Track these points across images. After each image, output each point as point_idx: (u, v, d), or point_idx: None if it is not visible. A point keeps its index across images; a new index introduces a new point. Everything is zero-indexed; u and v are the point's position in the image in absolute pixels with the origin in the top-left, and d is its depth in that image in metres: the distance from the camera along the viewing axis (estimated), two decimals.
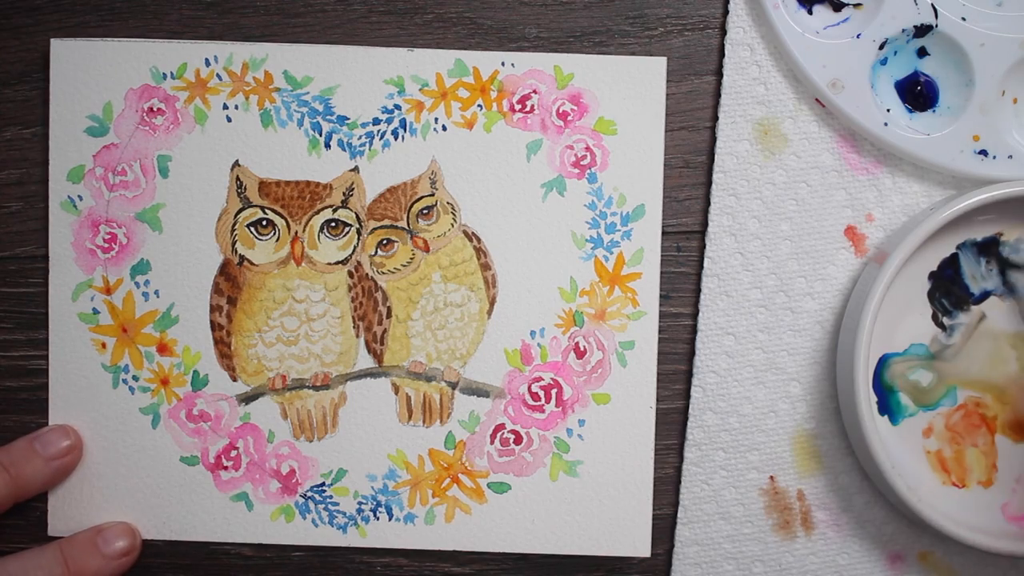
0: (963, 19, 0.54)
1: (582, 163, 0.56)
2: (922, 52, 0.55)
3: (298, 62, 0.55)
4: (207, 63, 0.55)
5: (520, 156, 0.56)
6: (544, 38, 0.56)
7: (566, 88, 0.56)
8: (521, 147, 0.56)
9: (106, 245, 0.56)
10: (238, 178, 0.56)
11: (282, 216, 0.56)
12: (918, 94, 0.55)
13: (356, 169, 0.56)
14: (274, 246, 0.56)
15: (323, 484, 0.56)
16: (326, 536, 0.56)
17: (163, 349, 0.56)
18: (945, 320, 0.56)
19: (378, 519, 0.57)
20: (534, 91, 0.56)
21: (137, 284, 0.56)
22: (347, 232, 0.56)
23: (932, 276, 0.55)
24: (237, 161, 0.56)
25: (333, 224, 0.56)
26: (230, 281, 0.56)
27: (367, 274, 0.56)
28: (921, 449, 0.56)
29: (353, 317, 0.56)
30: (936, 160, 0.54)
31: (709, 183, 0.56)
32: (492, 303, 0.56)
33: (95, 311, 0.56)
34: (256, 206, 0.56)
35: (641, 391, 0.56)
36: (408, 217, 0.56)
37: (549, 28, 0.56)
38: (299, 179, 0.56)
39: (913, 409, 0.56)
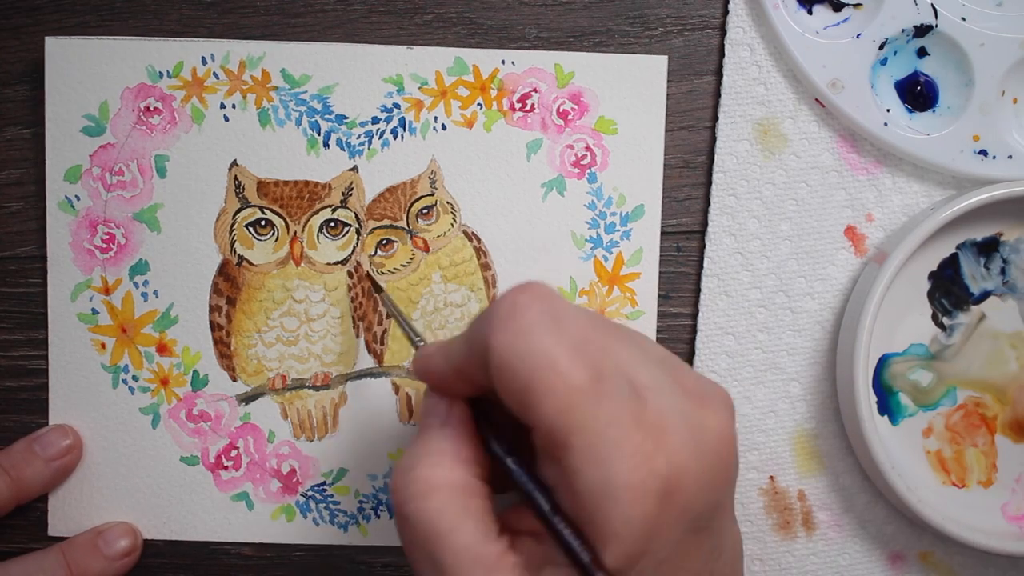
0: (963, 19, 0.54)
1: (582, 163, 0.56)
2: (922, 52, 0.55)
3: (296, 60, 0.55)
4: (204, 61, 0.55)
5: (520, 155, 0.56)
6: (544, 38, 0.56)
7: (566, 87, 0.56)
8: (521, 146, 0.56)
9: (104, 245, 0.56)
10: (236, 178, 0.56)
11: (281, 216, 0.56)
12: (918, 94, 0.55)
13: (355, 168, 0.56)
14: (273, 246, 0.56)
15: (324, 483, 0.56)
16: (327, 535, 0.57)
17: (163, 349, 0.56)
18: (945, 320, 0.56)
19: (379, 518, 0.57)
20: (534, 90, 0.56)
21: (136, 284, 0.56)
22: (346, 232, 0.56)
23: (932, 276, 0.56)
24: (235, 161, 0.56)
25: (332, 224, 0.56)
26: (229, 281, 0.56)
27: (367, 274, 0.56)
28: (921, 449, 0.56)
29: (353, 317, 0.56)
30: (936, 160, 0.54)
31: (709, 183, 0.56)
32: (492, 303, 0.56)
33: (94, 311, 0.56)
34: (255, 206, 0.56)
35: None
36: (408, 217, 0.56)
37: (549, 28, 0.56)
38: (298, 179, 0.56)
39: (913, 409, 0.56)
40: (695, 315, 0.56)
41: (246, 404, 0.56)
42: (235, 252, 0.56)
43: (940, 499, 0.55)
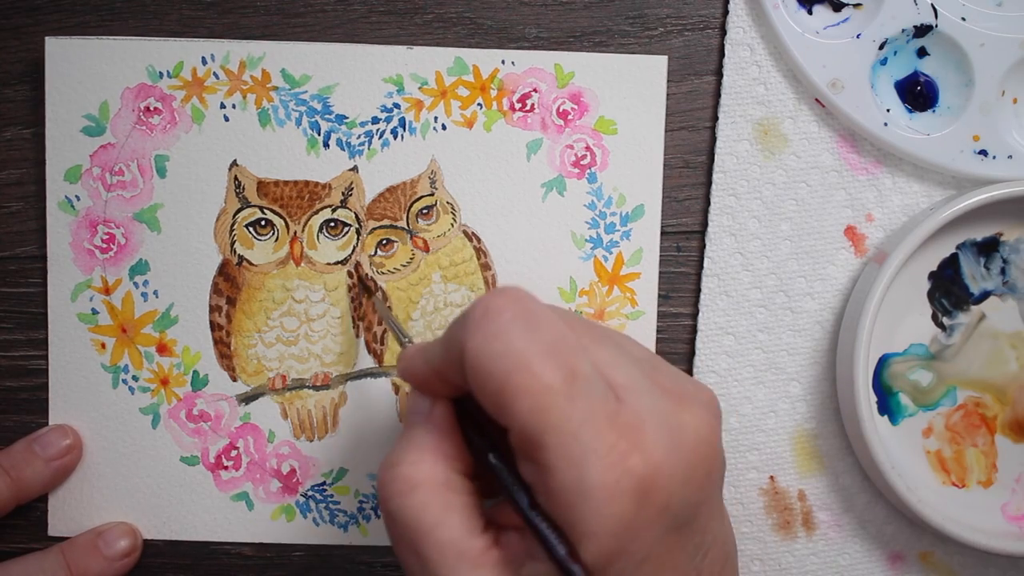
0: (963, 19, 0.54)
1: (582, 163, 0.56)
2: (922, 52, 0.55)
3: (296, 60, 0.55)
4: (204, 61, 0.55)
5: (520, 155, 0.56)
6: (544, 38, 0.56)
7: (566, 87, 0.56)
8: (521, 146, 0.56)
9: (104, 245, 0.56)
10: (236, 178, 0.56)
11: (281, 216, 0.56)
12: (918, 94, 0.55)
13: (355, 168, 0.56)
14: (273, 246, 0.56)
15: (324, 483, 0.56)
16: (327, 535, 0.57)
17: (163, 349, 0.56)
18: (945, 320, 0.56)
19: (379, 518, 0.57)
20: (534, 90, 0.56)
21: (136, 284, 0.56)
22: (346, 232, 0.56)
23: (932, 276, 0.56)
24: (235, 161, 0.56)
25: (332, 224, 0.56)
26: (229, 281, 0.56)
27: (367, 274, 0.56)
28: (921, 449, 0.56)
29: (353, 317, 0.56)
30: (936, 160, 0.54)
31: (709, 183, 0.56)
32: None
33: (94, 311, 0.56)
34: (255, 206, 0.56)
35: None
36: (408, 217, 0.56)
37: (549, 28, 0.56)
38: (298, 179, 0.56)
39: (913, 409, 0.56)
40: (695, 315, 0.56)
41: (246, 404, 0.56)
42: (235, 252, 0.56)
43: (940, 499, 0.55)
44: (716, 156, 0.56)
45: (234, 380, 0.56)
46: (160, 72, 0.55)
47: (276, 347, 0.56)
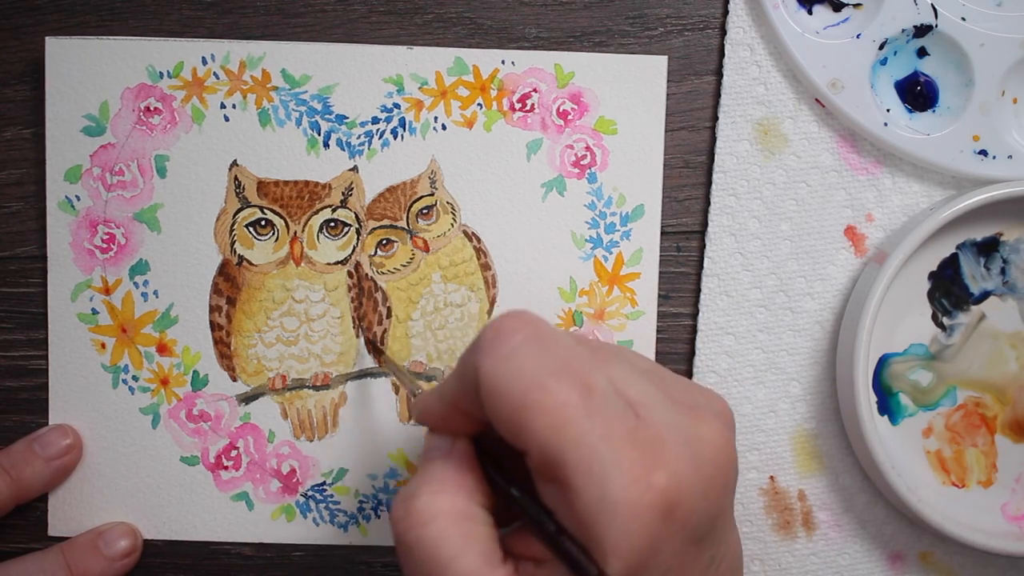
0: (963, 19, 0.54)
1: (582, 163, 0.56)
2: (922, 52, 0.55)
3: (296, 60, 0.55)
4: (204, 61, 0.55)
5: (520, 156, 0.56)
6: (544, 38, 0.56)
7: (566, 87, 0.56)
8: (521, 146, 0.56)
9: (104, 245, 0.56)
10: (236, 178, 0.56)
11: (281, 216, 0.56)
12: (918, 94, 0.55)
13: (355, 168, 0.56)
14: (273, 246, 0.56)
15: (324, 483, 0.56)
16: (327, 535, 0.57)
17: (163, 349, 0.56)
18: (945, 320, 0.56)
19: (379, 517, 0.57)
20: (534, 90, 0.56)
21: (136, 284, 0.56)
22: (346, 232, 0.56)
23: (932, 276, 0.56)
24: (235, 161, 0.56)
25: (332, 224, 0.56)
26: (229, 281, 0.56)
27: (367, 274, 0.56)
28: (921, 449, 0.56)
29: (353, 317, 0.56)
30: (936, 160, 0.54)
31: (709, 183, 0.56)
32: (492, 303, 0.56)
33: (94, 311, 0.56)
34: (255, 206, 0.56)
35: None
36: (408, 217, 0.56)
37: (549, 28, 0.56)
38: (298, 179, 0.56)
39: (913, 409, 0.56)
40: (695, 315, 0.56)
41: (246, 404, 0.56)
42: (235, 252, 0.56)
43: (940, 499, 0.55)
44: (716, 156, 0.56)
45: (234, 380, 0.56)
46: (160, 72, 0.55)
47: (276, 347, 0.56)
